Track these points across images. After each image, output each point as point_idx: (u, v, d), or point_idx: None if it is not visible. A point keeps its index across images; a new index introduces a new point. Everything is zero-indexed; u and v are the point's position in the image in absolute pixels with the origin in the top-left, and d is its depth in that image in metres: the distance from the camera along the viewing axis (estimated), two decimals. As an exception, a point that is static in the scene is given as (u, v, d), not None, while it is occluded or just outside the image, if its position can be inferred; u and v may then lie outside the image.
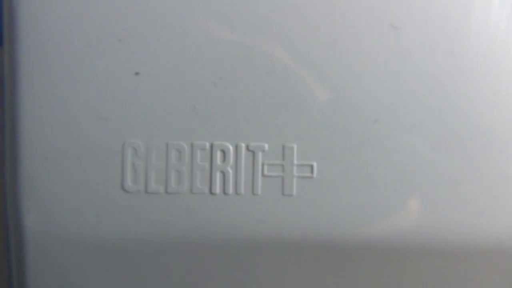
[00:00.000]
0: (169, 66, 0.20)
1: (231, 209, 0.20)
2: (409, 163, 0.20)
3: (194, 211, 0.20)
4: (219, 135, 0.20)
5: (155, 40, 0.20)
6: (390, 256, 0.20)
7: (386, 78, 0.20)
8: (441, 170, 0.20)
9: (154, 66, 0.20)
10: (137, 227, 0.20)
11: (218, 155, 0.20)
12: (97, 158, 0.20)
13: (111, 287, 0.21)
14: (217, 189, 0.20)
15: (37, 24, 0.20)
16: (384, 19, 0.20)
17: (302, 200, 0.20)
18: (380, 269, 0.20)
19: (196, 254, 0.20)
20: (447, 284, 0.21)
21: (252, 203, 0.20)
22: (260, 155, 0.20)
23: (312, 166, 0.20)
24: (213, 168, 0.20)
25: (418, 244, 0.20)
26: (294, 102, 0.20)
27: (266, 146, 0.20)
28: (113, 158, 0.20)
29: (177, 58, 0.20)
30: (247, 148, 0.20)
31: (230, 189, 0.20)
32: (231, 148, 0.20)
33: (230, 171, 0.20)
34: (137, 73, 0.20)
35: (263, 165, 0.20)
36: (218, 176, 0.20)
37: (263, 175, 0.20)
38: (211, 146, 0.20)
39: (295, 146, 0.20)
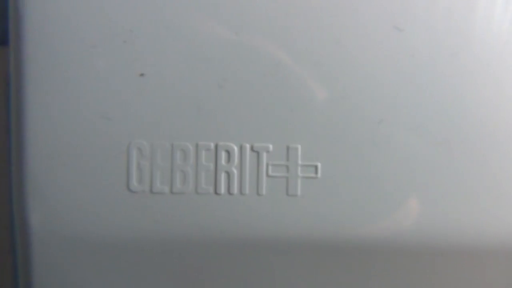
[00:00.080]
0: (173, 67, 0.20)
1: (235, 209, 0.20)
2: (413, 163, 0.20)
3: (199, 211, 0.20)
4: (224, 136, 0.20)
5: (159, 41, 0.20)
6: (395, 255, 0.20)
7: (390, 79, 0.20)
8: (445, 170, 0.20)
9: (159, 67, 0.20)
10: (142, 226, 0.20)
11: (223, 155, 0.20)
12: (103, 158, 0.20)
13: (116, 286, 0.21)
14: (222, 189, 0.20)
15: (43, 24, 0.20)
16: (388, 21, 0.20)
17: (307, 200, 0.20)
18: (385, 268, 0.21)
19: (201, 254, 0.20)
20: (453, 283, 0.21)
21: (257, 203, 0.20)
22: (264, 155, 0.20)
23: (316, 167, 0.20)
24: (218, 168, 0.20)
25: (423, 243, 0.20)
26: (298, 102, 0.20)
27: (271, 146, 0.20)
28: (119, 158, 0.20)
29: (181, 59, 0.20)
30: (252, 148, 0.20)
31: (235, 189, 0.20)
32: (235, 148, 0.20)
33: (235, 171, 0.20)
34: (142, 74, 0.20)
35: (267, 165, 0.20)
36: (223, 177, 0.20)
37: (267, 175, 0.20)
38: (216, 146, 0.20)
39: (299, 146, 0.20)
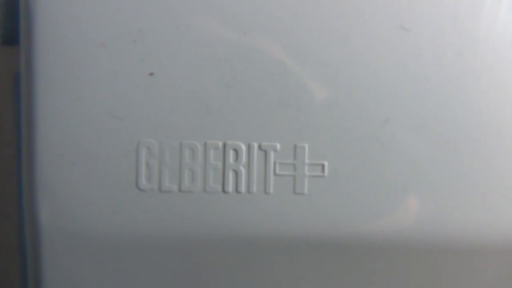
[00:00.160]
0: (182, 66, 0.20)
1: (243, 207, 0.20)
2: (419, 162, 0.20)
3: (207, 209, 0.20)
4: (232, 135, 0.20)
5: (169, 41, 0.20)
6: (402, 253, 0.21)
7: (396, 78, 0.20)
8: (451, 169, 0.20)
9: (168, 66, 0.20)
10: (151, 224, 0.20)
11: (231, 154, 0.20)
12: (112, 156, 0.20)
13: (125, 284, 0.21)
14: (230, 187, 0.20)
15: (53, 24, 0.20)
16: (395, 21, 0.20)
17: (314, 199, 0.20)
18: (393, 266, 0.21)
19: (209, 252, 0.21)
20: (457, 280, 0.21)
21: (264, 201, 0.20)
22: (272, 154, 0.20)
23: (323, 165, 0.20)
24: (226, 167, 0.20)
25: (428, 241, 0.20)
26: (305, 102, 0.20)
27: (278, 145, 0.20)
28: (128, 157, 0.20)
29: (190, 59, 0.20)
30: (260, 147, 0.20)
31: (243, 188, 0.20)
32: (243, 147, 0.20)
33: (243, 170, 0.20)
34: (151, 74, 0.20)
35: (275, 164, 0.20)
36: (230, 175, 0.20)
37: (275, 174, 0.20)
38: (224, 145, 0.20)
39: (306, 145, 0.20)
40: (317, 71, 0.20)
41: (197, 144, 0.20)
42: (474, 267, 0.21)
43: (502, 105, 0.20)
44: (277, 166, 0.20)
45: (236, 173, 0.20)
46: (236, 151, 0.20)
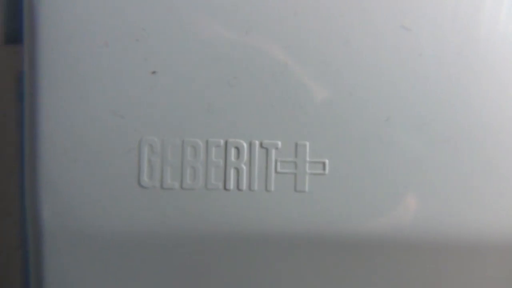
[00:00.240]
0: (185, 65, 0.20)
1: (244, 205, 0.20)
2: (420, 161, 0.20)
3: (209, 206, 0.20)
4: (234, 133, 0.20)
5: (171, 40, 0.20)
6: (402, 251, 0.21)
7: (397, 77, 0.20)
8: (451, 168, 0.20)
9: (170, 65, 0.20)
10: (152, 221, 0.20)
11: (233, 152, 0.20)
12: (115, 154, 0.20)
13: (127, 281, 0.21)
14: (231, 185, 0.20)
15: (57, 23, 0.20)
16: (396, 20, 0.20)
17: (314, 197, 0.20)
18: (392, 264, 0.21)
19: (210, 249, 0.21)
20: (458, 277, 0.21)
21: (265, 199, 0.20)
22: (273, 152, 0.20)
23: (324, 163, 0.20)
24: (227, 164, 0.20)
25: (429, 239, 0.21)
26: (307, 100, 0.20)
27: (279, 143, 0.20)
28: (130, 155, 0.20)
29: (192, 58, 0.20)
30: (261, 145, 0.20)
31: (244, 186, 0.20)
32: (245, 145, 0.20)
33: (244, 167, 0.20)
34: (153, 72, 0.20)
35: (276, 162, 0.20)
36: (232, 173, 0.20)
37: (276, 171, 0.20)
38: (226, 143, 0.20)
39: (307, 143, 0.20)
40: (318, 70, 0.20)
41: (199, 142, 0.20)
42: (473, 265, 0.21)
43: (502, 104, 0.20)
44: (278, 164, 0.20)
45: (238, 171, 0.20)
46: (238, 149, 0.20)
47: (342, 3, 0.20)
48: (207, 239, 0.21)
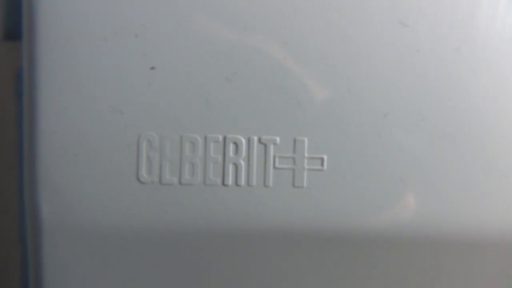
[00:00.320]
0: (183, 60, 0.20)
1: (243, 200, 0.20)
2: (418, 157, 0.20)
3: (207, 202, 0.20)
4: (232, 128, 0.20)
5: (170, 35, 0.20)
6: (400, 247, 0.21)
7: (395, 73, 0.20)
8: (449, 164, 0.20)
9: (169, 61, 0.20)
10: (151, 217, 0.20)
11: (231, 147, 0.20)
12: (113, 150, 0.20)
13: (126, 276, 0.21)
14: (230, 180, 0.20)
15: (56, 19, 0.20)
16: (394, 16, 0.20)
17: (313, 192, 0.20)
18: (391, 260, 0.21)
19: (209, 244, 0.21)
20: (457, 274, 0.21)
21: (264, 194, 0.20)
22: (271, 148, 0.20)
23: (322, 159, 0.20)
24: (225, 160, 0.20)
25: (426, 235, 0.21)
26: (305, 96, 0.20)
27: (278, 139, 0.20)
28: (129, 150, 0.20)
29: (191, 53, 0.20)
30: (259, 141, 0.20)
31: (242, 181, 0.20)
32: (243, 140, 0.20)
33: (243, 163, 0.20)
34: (152, 68, 0.20)
35: (274, 157, 0.20)
36: (230, 168, 0.21)
37: (274, 167, 0.20)
38: (224, 138, 0.20)
39: (306, 139, 0.20)
40: (316, 66, 0.20)
41: (197, 138, 0.20)
42: (472, 260, 0.21)
43: (500, 100, 0.20)
44: (277, 159, 0.20)
45: (236, 166, 0.20)
46: (236, 145, 0.20)
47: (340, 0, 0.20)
48: (205, 234, 0.21)
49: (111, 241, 0.21)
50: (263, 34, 0.20)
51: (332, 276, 0.21)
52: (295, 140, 0.20)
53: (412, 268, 0.21)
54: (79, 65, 0.20)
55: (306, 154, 0.20)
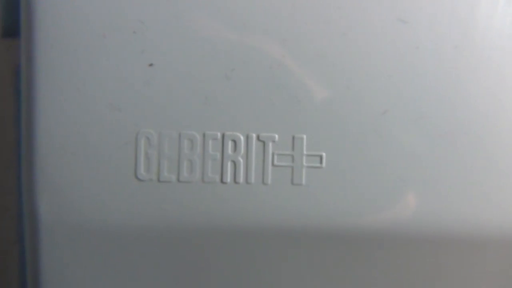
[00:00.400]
0: (182, 57, 0.20)
1: (241, 198, 0.20)
2: (417, 154, 0.20)
3: (205, 199, 0.20)
4: (231, 126, 0.20)
5: (169, 32, 0.20)
6: (398, 245, 0.21)
7: (394, 70, 0.20)
8: (448, 162, 0.20)
9: (167, 57, 0.20)
10: (149, 214, 0.20)
11: (230, 145, 0.20)
12: (111, 147, 0.20)
13: (124, 274, 0.21)
14: (228, 178, 0.20)
15: (54, 15, 0.20)
16: (393, 13, 0.20)
17: (311, 190, 0.20)
18: (389, 258, 0.21)
19: (207, 242, 0.21)
20: (455, 272, 0.21)
21: (262, 192, 0.20)
22: (270, 145, 0.20)
23: (321, 157, 0.20)
24: (224, 157, 0.20)
25: (424, 233, 0.21)
26: (304, 93, 0.20)
27: (276, 136, 0.20)
28: (127, 147, 0.20)
29: (190, 50, 0.20)
30: (258, 138, 0.20)
31: (241, 179, 0.20)
32: (242, 138, 0.20)
33: (241, 160, 0.20)
34: (151, 65, 0.20)
35: (273, 155, 0.20)
36: (229, 166, 0.20)
37: (273, 165, 0.20)
38: (223, 136, 0.20)
39: (304, 136, 0.20)
40: (315, 63, 0.20)
41: (196, 135, 0.20)
42: (471, 258, 0.21)
43: (500, 98, 0.20)
44: (275, 157, 0.20)
45: (235, 164, 0.20)
46: (235, 142, 0.20)
47: (339, -4, 0.20)
48: (204, 232, 0.21)
49: (109, 239, 0.21)
50: (262, 31, 0.20)
51: (330, 274, 0.21)
52: (293, 138, 0.20)
53: (411, 266, 0.21)
54: (76, 62, 0.20)
55: (304, 152, 0.20)
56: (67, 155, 0.20)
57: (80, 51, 0.20)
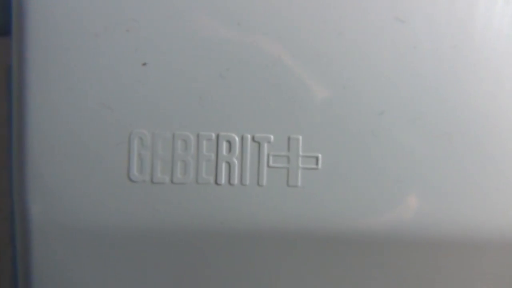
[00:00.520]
0: (176, 57, 0.20)
1: (236, 199, 0.20)
2: (414, 155, 0.20)
3: (199, 201, 0.20)
4: (225, 126, 0.20)
5: (162, 31, 0.20)
6: (395, 247, 0.20)
7: (391, 70, 0.20)
8: (446, 163, 0.20)
9: (161, 57, 0.20)
10: (142, 216, 0.20)
11: (224, 145, 0.20)
12: (104, 147, 0.20)
13: (116, 276, 0.21)
14: (223, 179, 0.20)
15: (45, 14, 0.20)
16: (390, 12, 0.20)
17: (307, 191, 0.20)
18: (385, 260, 0.21)
19: (201, 244, 0.20)
20: (453, 274, 0.21)
21: (257, 194, 0.20)
22: (265, 146, 0.20)
23: (317, 158, 0.20)
24: (218, 158, 0.20)
25: (422, 235, 0.20)
26: (300, 94, 0.20)
27: (272, 137, 0.20)
28: (120, 148, 0.20)
29: (184, 49, 0.20)
30: (253, 139, 0.20)
31: (236, 180, 0.20)
32: (237, 139, 0.20)
33: (236, 161, 0.20)
34: (144, 64, 0.20)
35: (268, 156, 0.20)
36: (223, 167, 0.20)
37: (268, 166, 0.20)
38: (217, 136, 0.20)
39: (300, 137, 0.20)
40: (311, 63, 0.20)
41: (190, 135, 0.20)
42: (468, 260, 0.21)
43: (498, 98, 0.20)
44: (271, 158, 0.20)
45: (229, 165, 0.20)
46: (229, 143, 0.20)
47: (336, -6, 0.20)
48: (198, 234, 0.20)
49: (101, 241, 0.20)
50: (257, 30, 0.20)
51: (326, 276, 0.21)
52: (289, 139, 0.20)
53: (407, 267, 0.21)
54: (68, 61, 0.20)
55: (300, 153, 0.20)
56: (58, 156, 0.20)
57: (72, 49, 0.20)
